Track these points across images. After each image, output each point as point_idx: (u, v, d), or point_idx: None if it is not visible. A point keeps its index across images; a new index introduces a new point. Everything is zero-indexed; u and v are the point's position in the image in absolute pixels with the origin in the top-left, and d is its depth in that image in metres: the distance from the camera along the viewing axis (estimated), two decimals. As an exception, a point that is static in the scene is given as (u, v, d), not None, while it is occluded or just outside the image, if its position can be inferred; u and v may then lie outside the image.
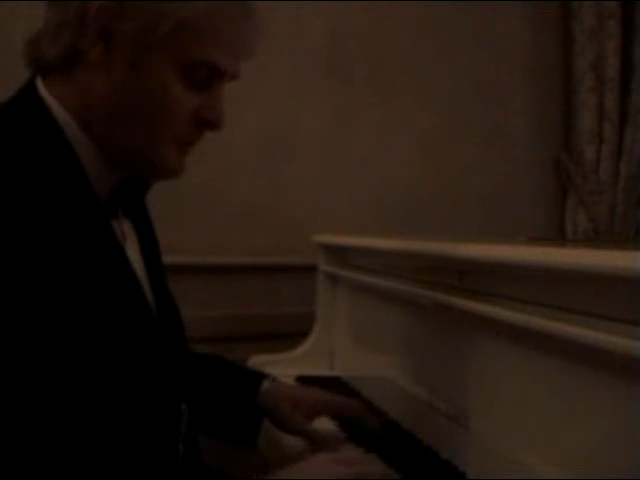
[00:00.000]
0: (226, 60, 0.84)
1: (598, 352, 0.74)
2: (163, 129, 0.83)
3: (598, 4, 2.52)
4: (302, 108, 2.29)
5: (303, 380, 1.60)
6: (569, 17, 2.58)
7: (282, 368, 1.68)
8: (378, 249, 1.46)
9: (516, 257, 0.90)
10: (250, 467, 1.57)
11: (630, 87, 2.56)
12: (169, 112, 0.82)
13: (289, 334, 1.85)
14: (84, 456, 0.73)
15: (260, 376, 1.18)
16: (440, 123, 2.47)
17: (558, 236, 2.58)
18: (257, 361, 1.70)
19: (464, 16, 2.48)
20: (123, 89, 0.81)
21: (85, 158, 0.82)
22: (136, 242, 0.93)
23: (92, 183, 0.82)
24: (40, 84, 0.83)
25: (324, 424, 1.20)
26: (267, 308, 2.17)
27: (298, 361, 1.72)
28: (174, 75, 0.81)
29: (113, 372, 0.76)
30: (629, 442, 0.71)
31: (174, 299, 1.01)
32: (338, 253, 1.75)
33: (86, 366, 0.73)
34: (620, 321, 0.72)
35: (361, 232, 1.78)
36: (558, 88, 2.64)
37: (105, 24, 0.79)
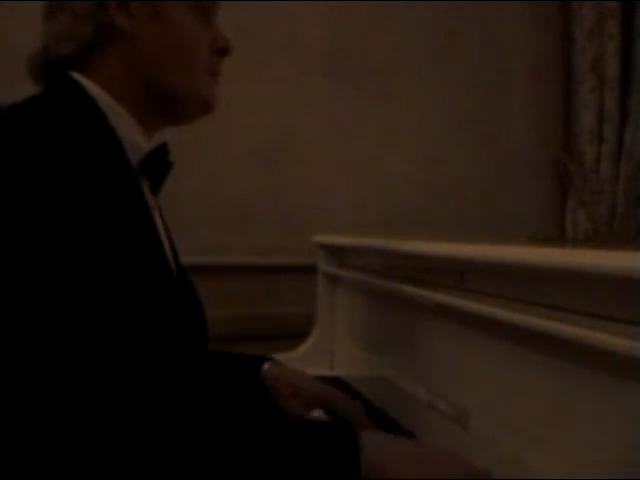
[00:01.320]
0: None
1: (598, 352, 0.74)
2: (195, 63, 0.94)
3: (598, 4, 2.52)
4: (302, 108, 2.29)
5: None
6: (569, 17, 2.58)
7: (282, 368, 1.67)
8: (378, 249, 1.46)
9: (516, 257, 0.90)
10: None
11: (630, 87, 2.56)
12: (196, 47, 0.94)
13: (289, 334, 1.85)
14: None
15: (261, 358, 1.20)
16: (440, 123, 2.47)
17: (558, 236, 2.58)
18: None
19: (464, 16, 2.48)
20: (154, 42, 0.91)
21: (121, 129, 0.89)
22: (159, 216, 1.00)
23: (127, 151, 0.89)
24: (70, 73, 0.89)
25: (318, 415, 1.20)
26: (267, 308, 2.17)
27: (298, 361, 1.72)
28: (189, 13, 0.93)
29: (140, 338, 0.78)
30: (629, 442, 0.71)
31: (192, 282, 1.04)
32: (338, 253, 1.75)
33: (112, 331, 0.74)
34: (620, 321, 0.72)
35: (361, 232, 1.78)
36: (558, 88, 2.64)
37: None
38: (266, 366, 1.16)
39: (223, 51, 0.99)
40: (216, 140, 2.12)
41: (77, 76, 0.88)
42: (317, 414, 1.16)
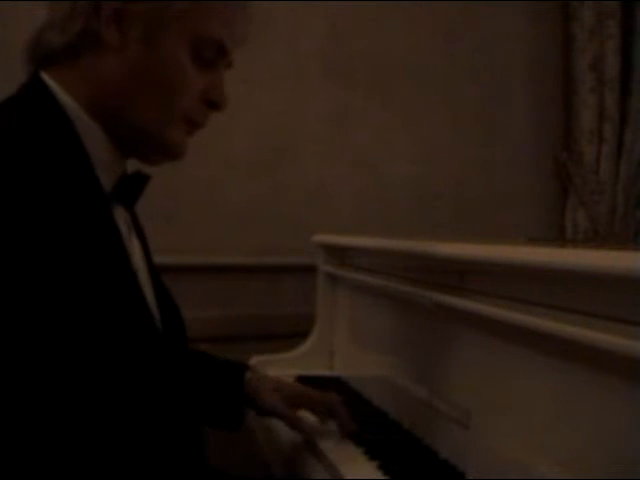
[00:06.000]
0: (230, 40, 0.88)
1: (598, 352, 0.74)
2: (175, 107, 0.86)
3: (598, 4, 2.52)
4: (302, 108, 2.29)
5: (303, 380, 1.60)
6: (569, 17, 2.58)
7: (282, 368, 1.67)
8: (378, 249, 1.46)
9: (516, 257, 0.90)
10: (250, 464, 1.57)
11: (630, 87, 2.56)
12: (181, 90, 0.85)
13: (289, 334, 1.85)
14: (90, 452, 0.72)
15: (242, 367, 1.23)
16: (440, 123, 2.47)
17: (558, 236, 2.58)
18: (257, 361, 1.70)
19: (464, 15, 2.48)
20: (137, 68, 0.83)
21: (93, 147, 0.83)
22: (136, 237, 0.94)
23: (98, 172, 0.82)
24: (45, 76, 0.84)
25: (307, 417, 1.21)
26: (267, 308, 2.17)
27: (298, 361, 1.72)
28: (186, 53, 0.84)
29: (114, 367, 0.75)
30: (629, 442, 0.71)
31: (172, 298, 1.02)
32: (338, 253, 1.75)
33: (86, 362, 0.72)
34: (620, 321, 0.72)
35: (361, 232, 1.78)
36: (558, 88, 2.64)
37: (118, 5, 0.81)
38: (247, 375, 1.20)
39: (213, 104, 0.90)
40: (215, 140, 2.12)
41: (51, 82, 0.83)
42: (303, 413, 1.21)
